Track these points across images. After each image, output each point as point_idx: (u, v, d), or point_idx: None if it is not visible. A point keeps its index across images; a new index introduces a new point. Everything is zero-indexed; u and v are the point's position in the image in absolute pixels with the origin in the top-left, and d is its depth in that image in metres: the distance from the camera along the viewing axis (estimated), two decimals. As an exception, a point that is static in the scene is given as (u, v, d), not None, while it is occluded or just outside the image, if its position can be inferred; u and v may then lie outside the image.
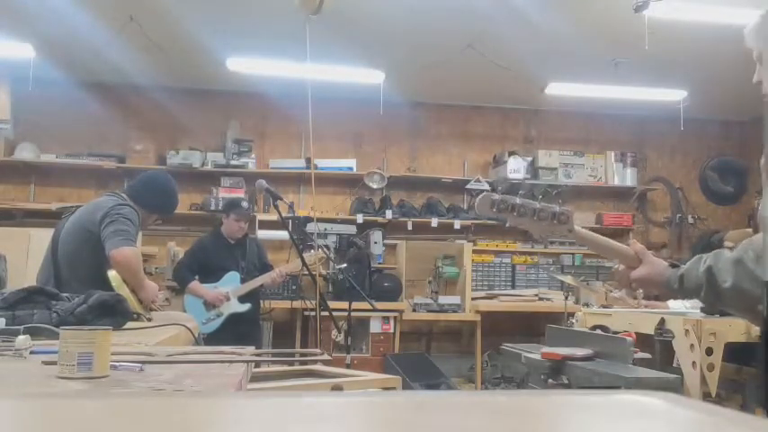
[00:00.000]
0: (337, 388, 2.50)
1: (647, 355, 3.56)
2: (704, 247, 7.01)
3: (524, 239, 6.84)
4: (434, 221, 6.47)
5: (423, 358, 5.84)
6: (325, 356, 2.16)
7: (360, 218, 6.37)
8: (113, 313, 2.14)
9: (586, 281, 5.95)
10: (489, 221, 6.57)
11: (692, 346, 3.29)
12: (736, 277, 1.44)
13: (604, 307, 5.20)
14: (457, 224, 6.52)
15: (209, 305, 4.78)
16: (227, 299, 4.79)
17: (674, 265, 1.60)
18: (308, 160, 6.06)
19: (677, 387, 2.93)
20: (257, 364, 2.51)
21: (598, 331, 3.74)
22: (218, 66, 5.65)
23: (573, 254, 6.75)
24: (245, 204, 5.06)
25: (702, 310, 3.42)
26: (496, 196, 1.56)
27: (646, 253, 1.64)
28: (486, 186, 6.55)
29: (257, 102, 6.45)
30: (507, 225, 1.67)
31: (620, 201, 7.14)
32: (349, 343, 4.29)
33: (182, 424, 0.52)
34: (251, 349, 1.81)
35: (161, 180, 3.59)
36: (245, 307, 4.82)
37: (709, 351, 3.23)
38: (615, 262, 1.75)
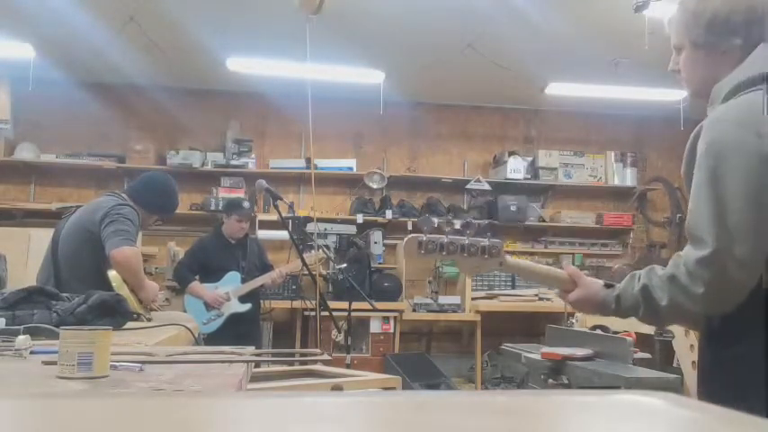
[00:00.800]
0: (337, 388, 2.51)
1: (647, 355, 3.56)
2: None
3: (524, 239, 6.84)
4: (434, 221, 6.45)
5: (423, 358, 5.84)
6: (325, 356, 2.16)
7: (360, 218, 6.37)
8: (113, 313, 2.14)
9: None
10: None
11: (691, 346, 3.29)
12: (671, 294, 1.42)
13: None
14: (457, 224, 6.50)
15: (210, 305, 4.78)
16: (228, 299, 4.79)
17: (608, 285, 1.57)
18: (308, 160, 6.06)
19: (677, 387, 2.93)
20: (257, 364, 2.51)
21: (598, 331, 3.74)
22: (218, 66, 5.65)
23: (573, 254, 6.75)
24: (246, 205, 5.06)
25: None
26: (423, 237, 1.50)
27: (580, 276, 1.61)
28: (487, 186, 6.55)
29: (257, 102, 6.45)
30: (437, 265, 1.67)
31: (620, 201, 7.14)
32: (349, 343, 4.29)
33: (182, 424, 0.52)
34: (251, 349, 1.81)
35: (161, 181, 3.60)
36: (246, 307, 4.82)
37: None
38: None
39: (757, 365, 1.37)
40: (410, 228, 6.46)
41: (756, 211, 1.35)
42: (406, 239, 1.54)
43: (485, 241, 1.55)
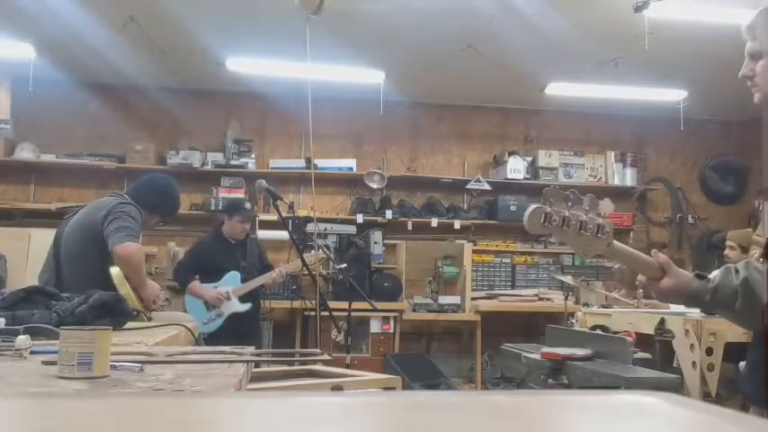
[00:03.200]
0: (337, 388, 2.50)
1: (647, 355, 3.56)
2: (706, 246, 7.01)
3: (524, 239, 6.84)
4: (434, 221, 6.47)
5: (423, 358, 5.84)
6: (325, 356, 2.16)
7: (360, 218, 6.37)
8: (113, 313, 2.14)
9: (586, 281, 5.95)
10: (495, 221, 6.58)
11: (692, 346, 3.30)
12: None
13: (604, 307, 5.20)
14: (457, 224, 6.52)
15: (210, 305, 4.78)
16: (228, 299, 4.79)
17: (700, 276, 1.55)
18: (308, 160, 6.05)
19: (677, 387, 2.93)
20: (257, 364, 2.51)
21: (598, 331, 3.74)
22: (218, 66, 5.65)
23: (573, 254, 6.75)
24: (248, 206, 5.07)
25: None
26: (548, 209, 1.44)
27: (670, 264, 1.58)
28: (487, 186, 6.55)
29: (257, 102, 6.45)
30: (551, 241, 1.61)
31: (620, 201, 7.13)
32: (349, 343, 4.29)
33: (182, 424, 0.52)
34: (251, 349, 1.81)
35: (163, 182, 3.60)
36: (246, 307, 4.82)
37: (709, 351, 3.23)
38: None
39: None
40: (410, 228, 6.46)
41: None
42: (531, 209, 1.45)
43: (600, 219, 1.50)
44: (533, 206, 1.46)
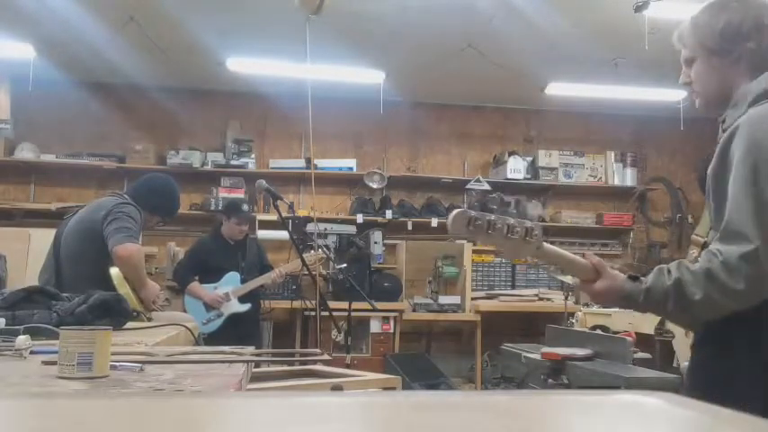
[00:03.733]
0: (337, 388, 2.50)
1: (647, 355, 3.57)
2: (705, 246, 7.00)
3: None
4: (434, 221, 6.46)
5: (423, 358, 5.84)
6: (325, 356, 2.16)
7: (360, 218, 6.37)
8: (113, 313, 2.14)
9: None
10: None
11: (692, 346, 3.29)
12: (707, 289, 1.43)
13: (604, 307, 5.20)
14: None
15: (209, 306, 4.78)
16: (227, 299, 4.79)
17: (633, 278, 1.56)
18: (308, 160, 6.05)
19: (677, 387, 2.93)
20: (257, 364, 2.51)
21: (598, 331, 3.74)
22: (218, 66, 5.65)
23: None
24: (246, 208, 5.07)
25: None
26: (472, 213, 1.48)
27: (604, 266, 1.59)
28: (487, 186, 6.55)
29: (257, 102, 6.45)
30: (478, 243, 1.64)
31: (620, 201, 7.13)
32: (349, 343, 4.29)
33: (182, 424, 0.52)
34: (251, 349, 1.81)
35: (163, 182, 3.61)
36: (246, 307, 4.83)
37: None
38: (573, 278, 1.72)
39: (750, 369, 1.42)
40: (410, 228, 6.46)
41: None
42: (454, 213, 1.48)
43: (528, 223, 1.52)
44: (457, 210, 1.48)
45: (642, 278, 1.54)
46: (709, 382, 1.52)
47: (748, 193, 1.41)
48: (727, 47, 1.59)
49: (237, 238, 4.94)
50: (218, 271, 4.88)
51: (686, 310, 1.48)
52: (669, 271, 1.49)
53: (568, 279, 1.61)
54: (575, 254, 1.62)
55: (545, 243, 1.56)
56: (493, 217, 1.49)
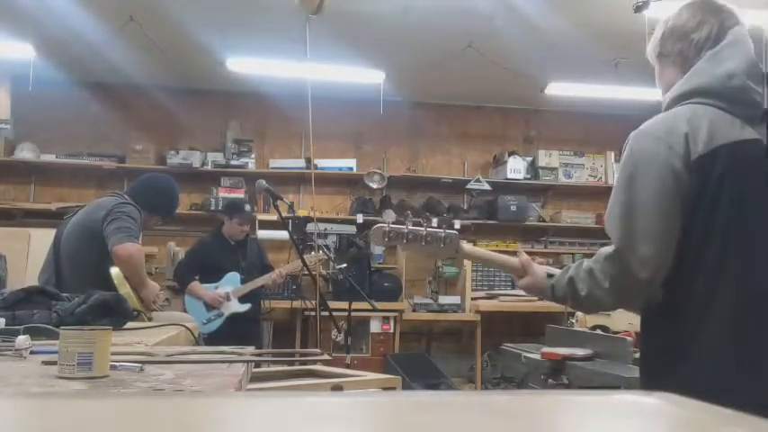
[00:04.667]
0: (337, 388, 2.51)
1: (647, 355, 3.56)
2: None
3: (524, 239, 6.84)
4: (434, 221, 6.46)
5: (423, 358, 5.84)
6: (325, 356, 2.16)
7: (360, 218, 6.37)
8: (113, 313, 2.14)
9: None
10: (492, 221, 6.59)
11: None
12: (589, 286, 1.56)
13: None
14: (457, 224, 6.51)
15: (210, 306, 4.78)
16: (227, 299, 4.79)
17: (550, 276, 1.71)
18: (308, 160, 6.06)
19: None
20: (257, 364, 2.51)
21: (598, 331, 3.74)
22: (218, 66, 5.65)
23: (573, 254, 6.75)
24: (248, 208, 5.07)
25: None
26: (386, 227, 1.72)
27: (530, 264, 1.75)
28: (487, 186, 6.55)
29: (257, 102, 6.45)
30: (402, 251, 1.87)
31: (620, 201, 7.13)
32: (349, 343, 4.29)
33: (182, 424, 0.52)
34: (251, 349, 1.81)
35: (162, 181, 3.61)
36: (246, 307, 4.83)
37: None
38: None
39: (664, 354, 1.55)
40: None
41: (661, 217, 1.49)
42: (373, 228, 1.76)
43: (441, 232, 1.73)
44: (375, 225, 1.76)
45: (555, 274, 1.70)
46: (654, 368, 1.62)
47: (619, 200, 1.55)
48: (666, 49, 1.68)
49: (239, 239, 4.94)
50: (218, 271, 4.88)
51: (580, 305, 1.66)
52: (570, 269, 1.64)
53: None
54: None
55: (464, 245, 1.75)
56: (406, 229, 1.72)
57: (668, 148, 1.50)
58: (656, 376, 1.56)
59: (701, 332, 1.48)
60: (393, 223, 1.73)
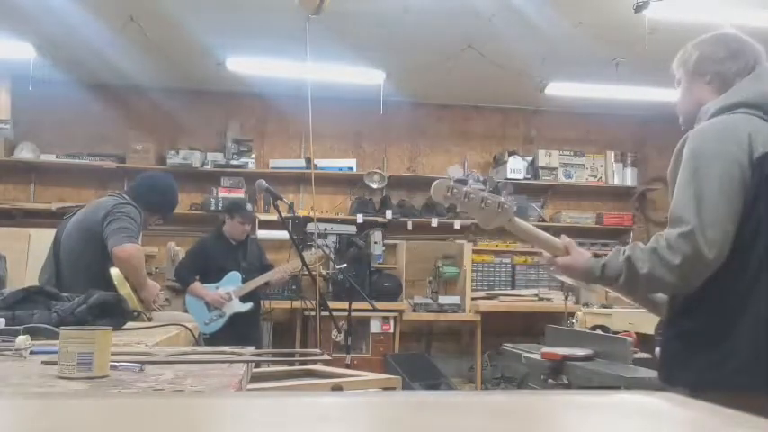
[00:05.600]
0: (337, 388, 2.51)
1: (647, 355, 3.56)
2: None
3: (524, 239, 6.83)
4: (434, 221, 6.46)
5: (423, 358, 5.84)
6: (325, 356, 2.16)
7: (360, 218, 6.37)
8: (113, 313, 2.14)
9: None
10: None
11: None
12: (651, 263, 1.67)
13: (604, 307, 5.20)
14: (457, 224, 6.52)
15: (211, 306, 4.78)
16: (229, 299, 4.79)
17: (596, 256, 1.83)
18: (308, 160, 6.05)
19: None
20: (257, 364, 2.51)
21: (598, 331, 3.74)
22: (218, 66, 5.65)
23: (573, 254, 6.74)
24: (249, 207, 5.07)
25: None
26: (450, 183, 1.74)
27: (573, 245, 1.88)
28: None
29: (257, 102, 6.45)
30: (458, 210, 1.88)
31: (620, 201, 7.13)
32: (349, 343, 4.29)
33: (182, 424, 0.52)
34: (251, 349, 1.81)
35: (162, 180, 3.61)
36: (247, 306, 4.83)
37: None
38: (543, 252, 1.96)
39: (701, 340, 1.67)
40: (410, 228, 6.46)
41: (728, 205, 1.65)
42: (436, 183, 1.76)
43: (500, 198, 1.75)
44: (439, 180, 1.78)
45: (603, 256, 1.80)
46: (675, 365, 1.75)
47: (689, 187, 1.68)
48: (702, 69, 1.91)
49: (240, 238, 4.94)
50: (219, 271, 4.88)
51: (635, 283, 1.72)
52: (624, 251, 1.74)
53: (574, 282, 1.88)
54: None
55: (517, 218, 1.81)
56: (469, 188, 1.74)
57: (735, 144, 1.68)
58: (688, 358, 1.68)
59: (746, 314, 1.63)
60: (456, 181, 1.73)
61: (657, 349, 2.99)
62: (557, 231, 7.44)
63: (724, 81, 1.86)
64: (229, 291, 4.81)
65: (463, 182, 1.73)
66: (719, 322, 1.66)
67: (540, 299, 6.30)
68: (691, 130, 1.86)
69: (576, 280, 1.94)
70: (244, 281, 4.85)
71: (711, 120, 1.79)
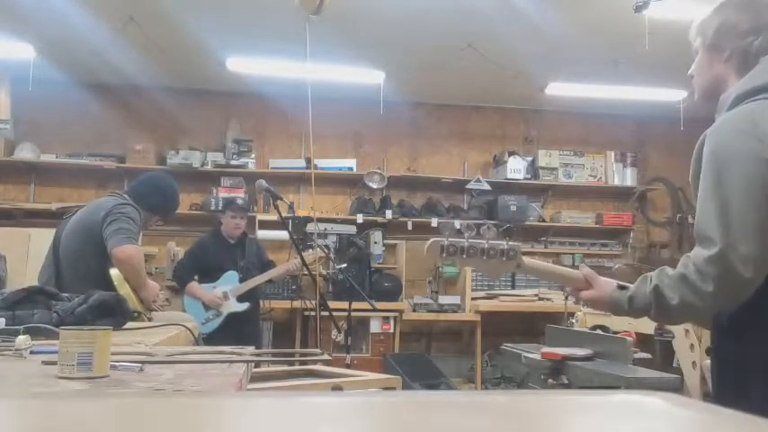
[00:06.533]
0: (337, 388, 2.50)
1: (647, 355, 3.57)
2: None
3: (524, 239, 6.84)
4: (434, 221, 6.46)
5: (423, 358, 5.84)
6: (325, 356, 2.16)
7: (360, 218, 6.37)
8: (113, 313, 2.14)
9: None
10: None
11: (692, 345, 3.30)
12: (681, 293, 1.49)
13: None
14: (457, 224, 6.51)
15: (208, 305, 4.78)
16: (226, 299, 4.79)
17: (621, 287, 1.64)
18: (308, 160, 6.05)
19: (677, 387, 2.93)
20: (257, 364, 2.51)
21: (598, 331, 3.74)
22: (218, 66, 5.65)
23: (573, 254, 6.75)
24: (240, 201, 5.06)
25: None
26: (445, 241, 1.59)
27: (595, 277, 1.69)
28: (487, 186, 6.55)
29: (257, 102, 6.45)
30: (460, 266, 1.73)
31: (620, 201, 7.13)
32: (349, 343, 4.29)
33: (182, 424, 0.52)
34: (251, 349, 1.81)
35: (162, 181, 3.60)
36: (244, 306, 4.82)
37: (710, 351, 3.23)
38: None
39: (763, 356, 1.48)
40: (410, 228, 6.46)
41: (759, 212, 1.44)
42: (429, 243, 1.61)
43: (503, 245, 1.61)
44: (432, 240, 1.60)
45: (629, 286, 1.62)
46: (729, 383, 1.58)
47: (713, 198, 1.48)
48: (720, 44, 1.65)
49: (235, 234, 4.92)
50: (217, 270, 4.87)
51: (667, 315, 1.56)
52: (651, 279, 1.56)
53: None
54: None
55: (525, 259, 1.65)
56: (466, 243, 1.59)
57: (757, 140, 1.47)
58: (745, 385, 1.52)
59: None
60: (451, 236, 1.59)
61: (705, 363, 2.95)
62: (556, 231, 7.41)
63: (745, 59, 1.62)
64: (226, 290, 4.81)
65: (459, 232, 1.59)
66: None
67: (540, 299, 6.30)
68: (705, 106, 1.69)
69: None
70: (241, 280, 4.85)
71: (730, 112, 1.56)
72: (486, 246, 1.60)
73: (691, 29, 1.74)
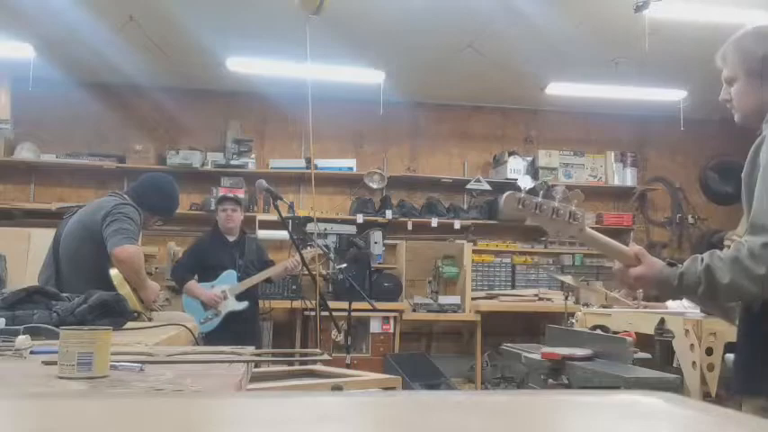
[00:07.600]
0: (337, 388, 2.50)
1: (647, 355, 3.57)
2: (705, 246, 7.00)
3: (524, 239, 6.84)
4: (434, 221, 6.47)
5: (423, 358, 5.84)
6: (325, 356, 2.16)
7: (360, 218, 6.37)
8: (113, 313, 2.14)
9: (586, 281, 5.95)
10: (500, 221, 6.59)
11: (691, 346, 3.30)
12: (733, 274, 1.58)
13: (604, 307, 5.19)
14: (457, 224, 6.52)
15: (207, 304, 4.78)
16: (224, 298, 4.78)
17: (671, 264, 1.72)
18: (308, 160, 6.06)
19: (677, 387, 2.93)
20: (257, 364, 2.51)
21: (598, 331, 3.74)
22: (218, 66, 5.65)
23: (573, 254, 6.75)
24: (231, 195, 5.04)
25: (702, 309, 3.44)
26: (521, 195, 1.69)
27: (645, 254, 1.76)
28: (487, 186, 6.55)
29: (257, 102, 6.45)
30: (527, 223, 1.79)
31: (620, 201, 7.13)
32: (349, 343, 4.29)
33: (182, 424, 0.52)
34: (251, 349, 1.81)
35: (162, 181, 3.60)
36: (243, 305, 4.81)
37: (709, 351, 3.23)
38: (615, 262, 1.85)
39: None
40: (410, 228, 6.47)
41: None
42: (505, 195, 1.70)
43: (572, 208, 1.72)
44: (508, 192, 1.71)
45: (679, 264, 1.70)
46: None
47: None
48: (766, 72, 1.77)
49: (229, 226, 4.88)
50: (215, 269, 4.86)
51: (715, 294, 1.63)
52: (702, 259, 1.65)
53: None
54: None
55: (588, 228, 1.76)
56: (540, 200, 1.69)
57: None
58: None
59: None
60: (527, 192, 1.70)
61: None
62: (557, 231, 7.37)
63: None
64: (225, 289, 4.80)
65: (533, 192, 1.68)
66: None
67: (540, 299, 6.30)
68: (759, 130, 1.80)
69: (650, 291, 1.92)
70: (240, 279, 4.84)
71: None
72: (557, 206, 1.70)
73: (721, 54, 1.89)
